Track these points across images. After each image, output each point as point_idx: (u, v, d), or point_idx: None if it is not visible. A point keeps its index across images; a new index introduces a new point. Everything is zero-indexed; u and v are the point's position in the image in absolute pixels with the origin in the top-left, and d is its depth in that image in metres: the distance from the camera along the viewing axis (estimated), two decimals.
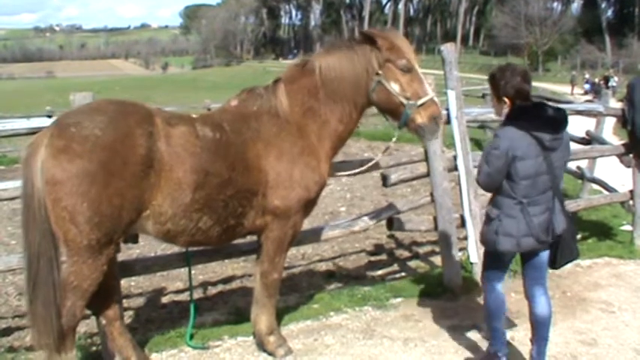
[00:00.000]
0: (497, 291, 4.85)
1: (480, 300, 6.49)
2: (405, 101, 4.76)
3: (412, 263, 9.12)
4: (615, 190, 9.85)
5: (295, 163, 4.75)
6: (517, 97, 4.53)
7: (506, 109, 4.59)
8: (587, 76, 49.49)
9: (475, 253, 6.77)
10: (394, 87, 4.77)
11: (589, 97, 40.24)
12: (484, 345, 5.48)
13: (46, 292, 4.17)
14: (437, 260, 8.16)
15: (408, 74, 4.77)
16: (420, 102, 4.75)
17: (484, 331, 5.68)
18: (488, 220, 4.68)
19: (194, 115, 4.74)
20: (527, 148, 4.41)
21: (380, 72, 4.77)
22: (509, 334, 5.38)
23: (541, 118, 4.48)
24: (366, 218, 6.69)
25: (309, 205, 5.02)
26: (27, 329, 6.72)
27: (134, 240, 5.42)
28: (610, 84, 36.25)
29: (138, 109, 4.35)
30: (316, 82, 4.84)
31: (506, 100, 4.56)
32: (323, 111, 4.88)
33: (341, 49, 4.90)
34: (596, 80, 46.82)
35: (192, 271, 5.70)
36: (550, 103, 4.85)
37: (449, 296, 6.61)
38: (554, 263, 4.76)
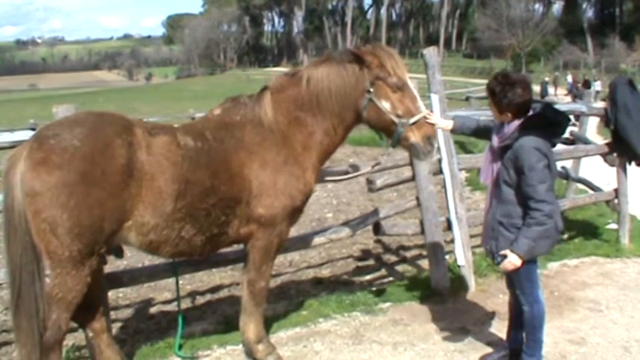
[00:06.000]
0: (541, 300, 4.88)
1: (468, 302, 6.54)
2: (396, 119, 4.70)
3: (400, 267, 9.11)
4: (600, 190, 9.90)
5: (279, 172, 4.72)
6: (520, 111, 4.51)
7: (509, 119, 4.54)
8: (569, 77, 49.56)
9: (462, 256, 6.78)
10: (385, 105, 4.70)
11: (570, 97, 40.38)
12: (473, 347, 5.50)
13: (29, 305, 4.17)
14: (424, 264, 8.17)
15: (400, 92, 4.71)
16: (412, 120, 4.69)
17: (474, 333, 5.71)
18: (513, 229, 4.56)
19: (176, 126, 4.72)
20: (550, 154, 4.47)
21: (371, 90, 4.71)
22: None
23: (553, 125, 4.53)
24: (352, 224, 6.69)
25: (294, 213, 4.99)
26: (14, 344, 6.68)
27: (119, 254, 5.36)
28: (593, 89, 36.07)
29: (117, 120, 4.33)
30: (303, 93, 4.81)
31: (509, 114, 4.52)
32: (309, 122, 4.84)
33: (331, 63, 4.81)
34: (572, 81, 46.33)
35: (180, 281, 5.67)
36: (557, 106, 4.81)
37: (437, 299, 6.61)
38: None
